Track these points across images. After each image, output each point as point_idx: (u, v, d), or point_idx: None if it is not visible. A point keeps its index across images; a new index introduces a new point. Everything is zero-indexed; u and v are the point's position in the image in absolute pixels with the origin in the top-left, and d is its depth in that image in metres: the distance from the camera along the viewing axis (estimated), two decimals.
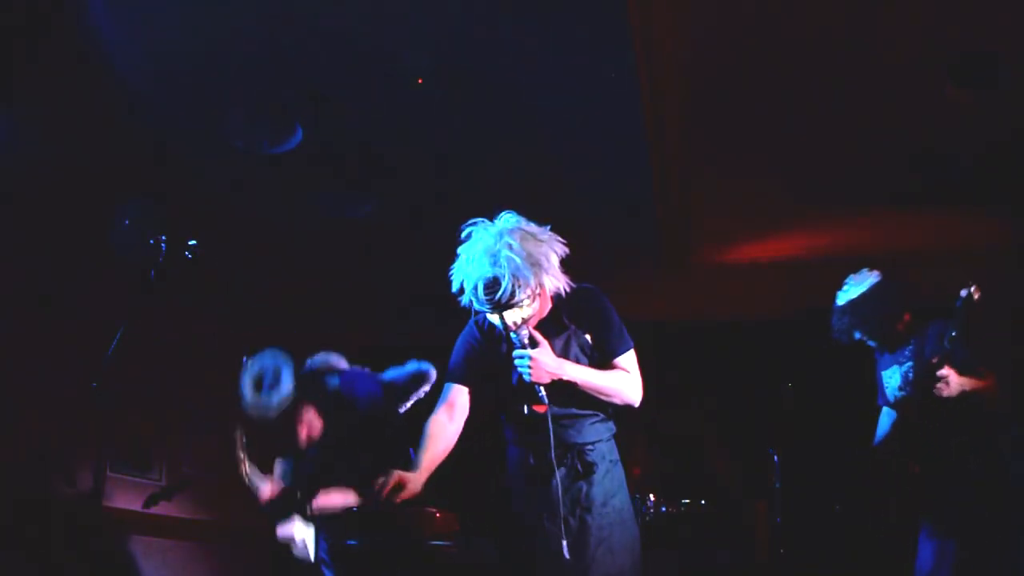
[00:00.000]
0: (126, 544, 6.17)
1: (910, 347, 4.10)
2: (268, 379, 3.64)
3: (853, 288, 4.20)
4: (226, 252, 5.96)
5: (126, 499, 6.05)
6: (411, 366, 3.96)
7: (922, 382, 3.81)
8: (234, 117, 4.35)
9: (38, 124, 4.63)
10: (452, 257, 2.87)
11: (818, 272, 6.74)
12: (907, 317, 4.13)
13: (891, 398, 4.22)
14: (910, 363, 4.09)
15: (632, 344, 3.05)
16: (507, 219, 2.86)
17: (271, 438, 3.89)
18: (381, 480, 2.75)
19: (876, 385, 4.58)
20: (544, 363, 2.82)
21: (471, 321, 3.09)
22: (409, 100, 4.58)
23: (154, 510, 4.96)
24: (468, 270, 2.79)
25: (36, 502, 5.54)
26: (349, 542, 3.27)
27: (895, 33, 4.24)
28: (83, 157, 5.00)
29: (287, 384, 3.62)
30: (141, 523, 6.16)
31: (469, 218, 2.89)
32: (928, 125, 5.06)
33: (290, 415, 3.74)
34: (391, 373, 3.97)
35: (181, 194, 5.37)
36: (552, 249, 2.85)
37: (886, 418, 4.44)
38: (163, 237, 3.80)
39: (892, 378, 4.22)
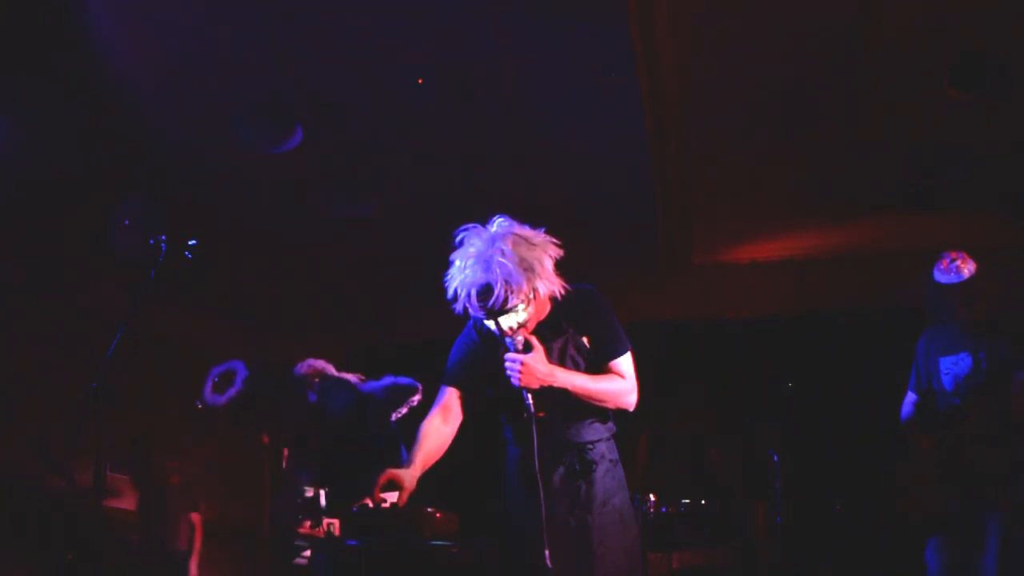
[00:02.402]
0: (126, 544, 6.17)
1: (983, 340, 4.13)
2: (227, 381, 3.74)
3: (958, 270, 4.13)
4: (226, 252, 5.97)
5: (126, 499, 6.06)
6: (387, 379, 4.02)
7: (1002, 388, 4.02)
8: (235, 117, 4.34)
9: (38, 124, 4.63)
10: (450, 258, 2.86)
11: (818, 272, 6.79)
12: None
13: (953, 381, 4.22)
14: (983, 354, 4.11)
15: (629, 347, 3.03)
16: (500, 224, 2.84)
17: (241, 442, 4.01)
18: (373, 479, 2.75)
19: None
20: (534, 369, 2.80)
21: (469, 323, 3.08)
22: (410, 100, 4.58)
23: None
24: (461, 277, 2.77)
25: (36, 502, 5.54)
26: (349, 542, 3.27)
27: (896, 33, 4.24)
28: (83, 157, 5.00)
29: (238, 384, 3.76)
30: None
31: (469, 219, 2.88)
32: (929, 125, 5.06)
33: (253, 420, 3.82)
34: (369, 385, 4.02)
35: (181, 194, 5.37)
36: (546, 253, 2.82)
37: (909, 403, 4.43)
38: (163, 237, 3.80)
39: (958, 364, 4.20)
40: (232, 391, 3.78)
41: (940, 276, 4.15)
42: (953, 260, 4.13)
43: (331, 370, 4.03)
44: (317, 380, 3.97)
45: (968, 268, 4.09)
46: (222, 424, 3.96)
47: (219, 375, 3.86)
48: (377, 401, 3.99)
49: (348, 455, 3.79)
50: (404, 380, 4.05)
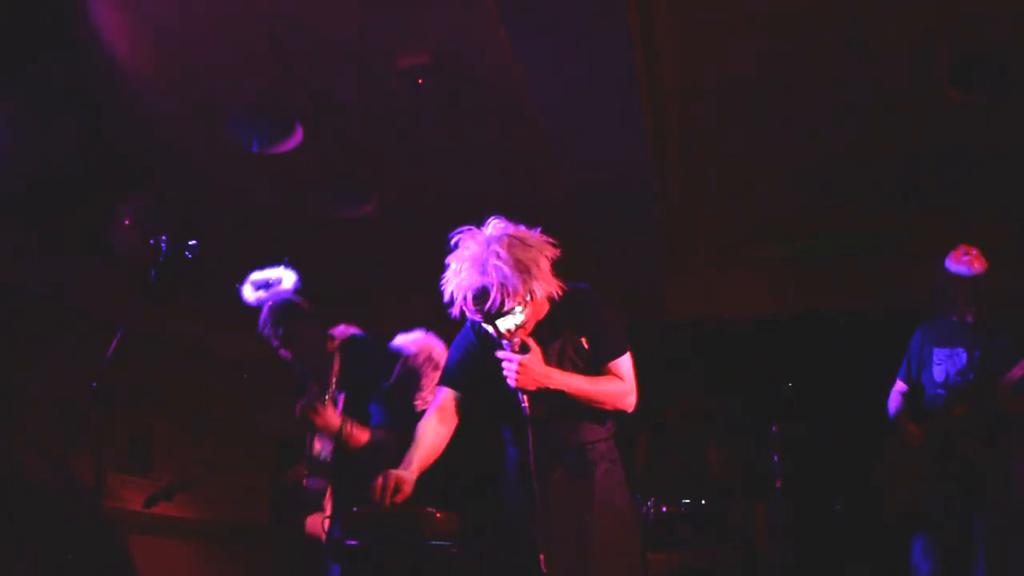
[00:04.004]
0: (126, 544, 6.18)
1: (980, 337, 4.15)
2: (271, 280, 3.72)
3: (969, 263, 4.15)
4: (225, 252, 5.97)
5: (126, 499, 6.06)
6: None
7: (988, 386, 4.05)
8: (235, 117, 4.35)
9: (38, 123, 4.63)
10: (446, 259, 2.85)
11: (818, 272, 6.79)
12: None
13: (944, 375, 4.23)
14: (979, 352, 4.13)
15: (627, 348, 3.01)
16: (495, 225, 2.82)
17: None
18: (381, 482, 2.74)
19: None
20: (531, 370, 2.78)
21: (468, 324, 3.07)
22: (410, 100, 4.58)
23: (154, 510, 4.96)
24: (457, 280, 2.75)
25: (36, 501, 5.54)
26: (349, 542, 3.28)
27: (896, 33, 4.24)
28: (84, 157, 5.00)
29: (287, 284, 3.73)
30: (141, 523, 6.17)
31: (468, 220, 2.87)
32: (929, 125, 5.06)
33: (283, 335, 3.78)
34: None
35: (181, 194, 5.38)
36: (542, 253, 2.80)
37: (897, 392, 4.43)
38: (163, 237, 3.80)
39: (952, 358, 4.22)
40: (283, 290, 3.72)
41: (951, 265, 4.19)
42: (966, 253, 4.16)
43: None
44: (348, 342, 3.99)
45: (979, 265, 4.12)
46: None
47: (262, 276, 3.81)
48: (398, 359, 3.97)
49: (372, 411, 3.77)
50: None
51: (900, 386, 4.44)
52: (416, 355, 3.93)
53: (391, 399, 3.77)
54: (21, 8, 3.83)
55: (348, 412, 3.79)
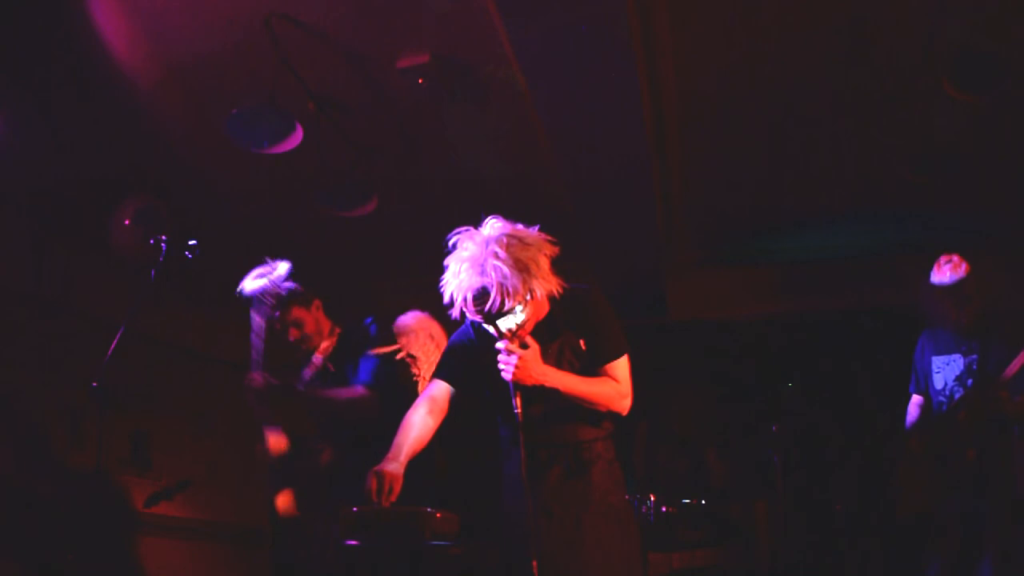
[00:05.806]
0: (126, 544, 6.18)
1: (975, 342, 4.16)
2: (267, 270, 3.93)
3: (952, 272, 4.16)
4: (225, 251, 5.97)
5: (126, 499, 6.05)
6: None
7: (987, 387, 4.04)
8: (234, 117, 4.34)
9: (39, 124, 4.63)
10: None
11: (817, 272, 6.78)
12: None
13: (943, 383, 4.24)
14: (975, 356, 4.11)
15: (625, 350, 3.00)
16: (493, 225, 2.81)
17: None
18: (375, 482, 2.74)
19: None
20: (531, 366, 2.78)
21: (467, 322, 3.06)
22: (410, 100, 4.58)
23: (154, 510, 4.96)
24: (456, 282, 2.75)
25: (35, 502, 5.54)
26: (349, 542, 3.28)
27: (896, 33, 4.24)
28: (84, 157, 5.00)
29: (281, 272, 3.92)
30: (141, 523, 6.17)
31: (468, 220, 2.87)
32: (928, 125, 5.05)
33: (283, 317, 4.04)
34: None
35: (181, 194, 5.37)
36: (541, 252, 2.79)
37: (915, 405, 4.43)
38: (163, 237, 3.81)
39: (950, 365, 4.24)
40: (279, 276, 3.93)
41: (935, 277, 4.18)
42: (947, 262, 4.16)
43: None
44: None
45: (960, 271, 4.11)
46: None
47: (264, 268, 3.99)
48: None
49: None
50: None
51: (915, 399, 4.44)
52: (416, 332, 4.09)
53: (374, 367, 3.92)
54: (22, 8, 3.83)
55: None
